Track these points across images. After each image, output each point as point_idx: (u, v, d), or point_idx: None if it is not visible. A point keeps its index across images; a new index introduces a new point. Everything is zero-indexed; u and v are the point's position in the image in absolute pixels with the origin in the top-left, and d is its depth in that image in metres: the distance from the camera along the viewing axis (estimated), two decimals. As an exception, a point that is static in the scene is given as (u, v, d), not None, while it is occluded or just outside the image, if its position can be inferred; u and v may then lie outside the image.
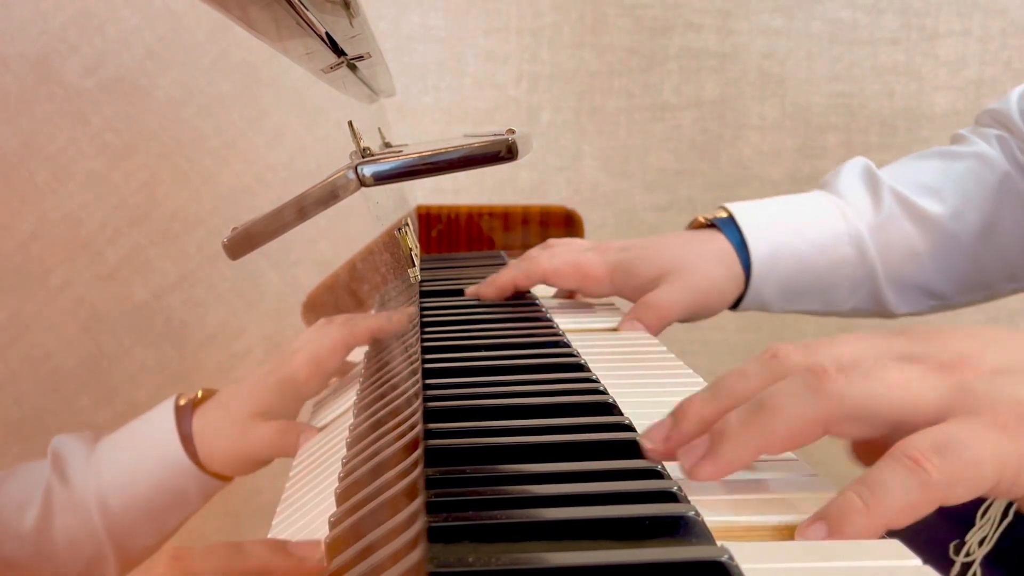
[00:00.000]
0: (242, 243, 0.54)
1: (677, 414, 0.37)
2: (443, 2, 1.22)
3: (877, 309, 0.76)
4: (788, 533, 0.32)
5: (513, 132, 0.52)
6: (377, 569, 0.31)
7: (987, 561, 0.66)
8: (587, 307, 0.73)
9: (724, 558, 0.28)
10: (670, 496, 0.33)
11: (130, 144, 1.18)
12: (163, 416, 0.66)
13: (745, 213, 0.72)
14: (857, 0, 1.24)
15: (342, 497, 0.41)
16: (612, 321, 0.67)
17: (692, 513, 0.31)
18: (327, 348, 0.67)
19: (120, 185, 1.19)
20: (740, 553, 0.29)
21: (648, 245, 0.71)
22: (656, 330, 0.66)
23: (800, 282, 0.72)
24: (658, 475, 0.36)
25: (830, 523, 0.30)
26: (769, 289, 0.71)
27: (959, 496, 0.30)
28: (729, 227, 0.71)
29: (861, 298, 0.75)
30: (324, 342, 0.67)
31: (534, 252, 0.73)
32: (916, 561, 0.29)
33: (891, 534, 0.30)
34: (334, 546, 0.36)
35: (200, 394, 0.68)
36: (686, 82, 1.26)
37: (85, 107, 1.17)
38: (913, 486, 0.30)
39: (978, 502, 0.69)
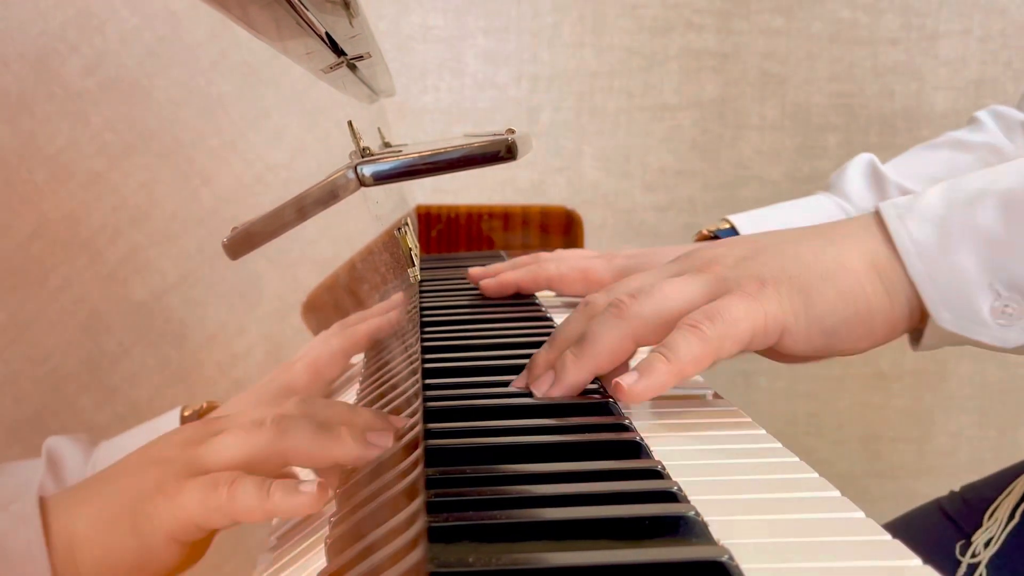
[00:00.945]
0: (242, 243, 0.54)
1: (530, 366, 0.47)
2: (443, 2, 1.22)
3: None
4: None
5: (513, 132, 0.52)
6: (377, 569, 0.31)
7: (993, 562, 0.66)
8: None
9: (724, 558, 0.28)
10: (670, 496, 0.33)
11: (130, 144, 1.18)
12: (168, 427, 0.66)
13: (747, 225, 0.72)
14: (857, 0, 1.24)
15: (342, 497, 0.41)
16: None
17: (692, 513, 0.31)
18: (326, 357, 0.67)
19: (120, 185, 1.19)
20: (740, 553, 0.29)
21: (654, 254, 0.71)
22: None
23: None
24: (658, 475, 0.36)
25: (642, 373, 0.41)
26: None
27: (729, 348, 0.42)
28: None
29: None
30: (323, 351, 0.67)
31: (543, 256, 0.73)
32: (916, 561, 0.29)
33: (897, 535, 0.30)
34: (334, 546, 0.36)
35: (204, 406, 0.68)
36: (686, 82, 1.26)
37: (85, 107, 1.16)
38: (695, 342, 0.41)
39: (985, 504, 0.69)
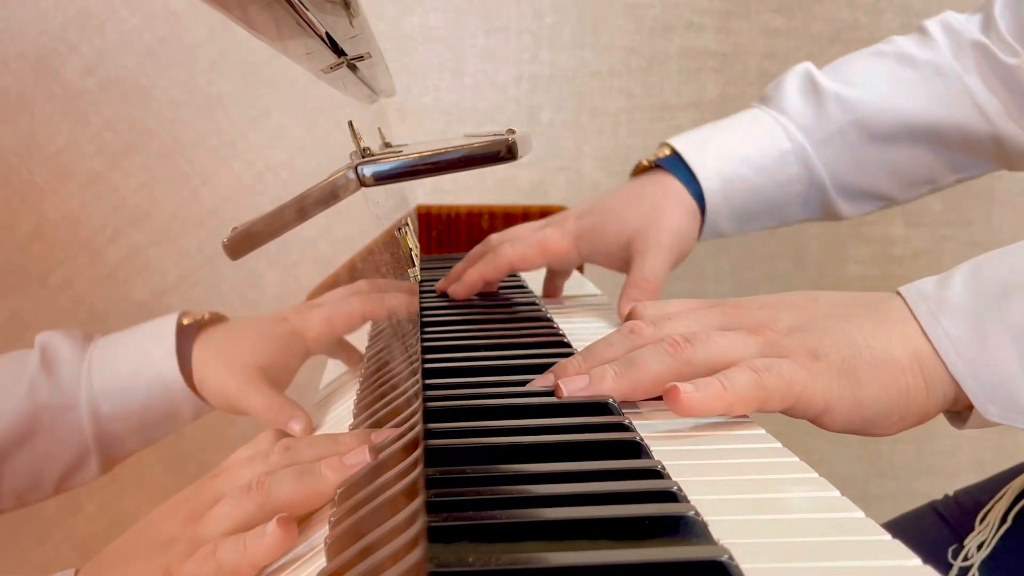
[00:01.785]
0: (242, 243, 0.54)
1: (557, 371, 0.47)
2: (443, 2, 1.22)
3: (827, 217, 0.77)
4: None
5: (513, 132, 0.52)
6: (377, 569, 0.31)
7: (985, 566, 0.66)
8: (592, 311, 0.73)
9: (724, 558, 0.28)
10: (670, 496, 0.33)
11: (130, 144, 1.18)
12: (165, 334, 0.65)
13: (690, 149, 0.72)
14: (857, 0, 1.24)
15: (342, 497, 0.41)
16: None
17: (692, 513, 0.31)
18: (344, 315, 0.67)
19: (120, 185, 1.19)
20: (740, 553, 0.29)
21: (605, 208, 0.71)
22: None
23: (752, 207, 0.73)
24: (658, 475, 0.36)
25: (697, 386, 0.42)
26: (724, 219, 0.72)
27: (775, 404, 0.42)
28: (676, 166, 0.71)
29: (812, 210, 0.76)
30: (344, 309, 0.67)
31: (494, 241, 0.73)
32: (916, 561, 0.29)
33: (892, 535, 0.30)
34: (334, 546, 0.36)
35: (207, 316, 0.68)
36: (686, 82, 1.26)
37: (85, 107, 1.17)
38: (753, 384, 0.42)
39: (979, 507, 0.69)
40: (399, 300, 0.69)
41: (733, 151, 0.72)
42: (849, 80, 0.74)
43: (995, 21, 0.72)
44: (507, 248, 0.71)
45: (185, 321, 0.67)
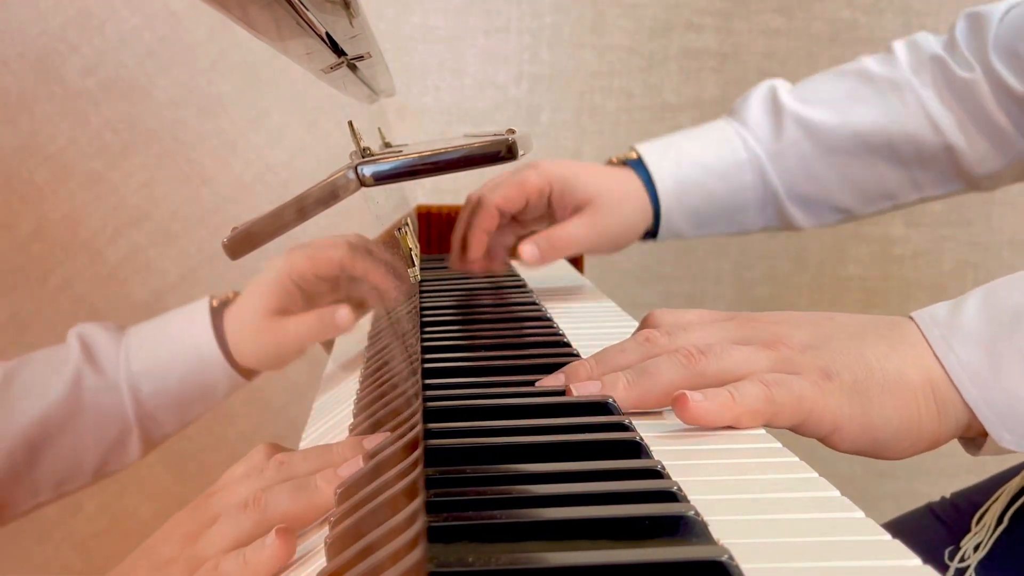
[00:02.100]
0: (242, 243, 0.54)
1: (568, 372, 0.47)
2: (443, 2, 1.22)
3: (785, 226, 0.82)
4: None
5: (513, 132, 0.52)
6: (377, 569, 0.31)
7: (982, 566, 0.66)
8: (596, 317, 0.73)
9: (724, 558, 0.28)
10: (670, 496, 0.33)
11: (130, 144, 1.18)
12: (199, 315, 0.71)
13: (652, 153, 0.78)
14: (857, 0, 1.24)
15: (342, 497, 0.41)
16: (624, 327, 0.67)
17: (692, 513, 0.31)
18: (325, 257, 0.71)
19: (120, 185, 1.19)
20: (740, 553, 0.29)
21: (578, 169, 0.75)
22: (546, 261, 0.72)
23: (708, 210, 0.78)
24: (658, 475, 0.36)
25: (707, 396, 0.42)
26: (679, 220, 0.78)
27: (784, 419, 0.42)
28: (639, 167, 0.77)
29: (769, 217, 0.81)
30: (327, 250, 0.71)
31: (474, 195, 0.76)
32: (916, 561, 0.29)
33: (892, 536, 0.30)
34: (334, 546, 0.36)
35: (230, 295, 0.73)
36: (686, 82, 1.26)
37: (85, 107, 1.17)
38: (763, 397, 0.42)
39: (975, 508, 0.70)
40: (379, 269, 0.72)
41: (691, 156, 0.78)
42: (808, 98, 0.80)
43: (956, 38, 0.78)
44: (488, 195, 0.74)
45: (215, 303, 0.72)
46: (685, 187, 0.77)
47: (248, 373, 0.73)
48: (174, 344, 0.70)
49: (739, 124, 0.80)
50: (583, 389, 0.45)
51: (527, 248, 0.72)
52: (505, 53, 1.24)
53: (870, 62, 0.80)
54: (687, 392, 0.41)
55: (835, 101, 0.78)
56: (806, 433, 0.44)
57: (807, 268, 1.32)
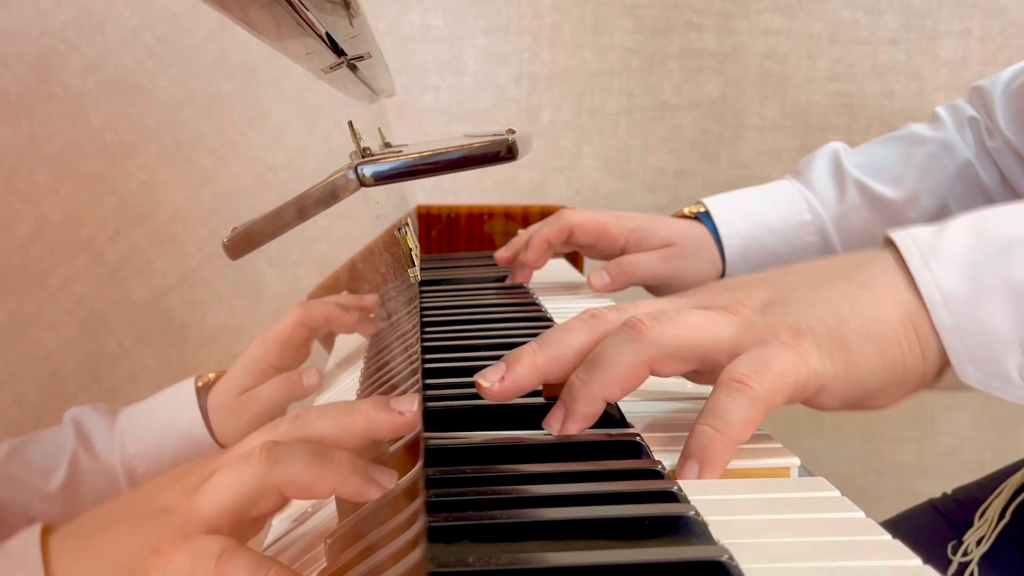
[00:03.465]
0: (242, 243, 0.54)
1: (510, 360, 0.41)
2: (443, 2, 1.22)
3: None
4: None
5: (513, 132, 0.52)
6: (377, 569, 0.31)
7: (984, 560, 0.66)
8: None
9: (724, 558, 0.28)
10: (670, 496, 0.33)
11: (130, 144, 1.18)
12: (186, 396, 0.73)
13: (719, 209, 0.79)
14: (857, 0, 1.24)
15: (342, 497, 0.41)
16: None
17: (692, 513, 0.31)
18: (288, 326, 0.74)
19: (120, 185, 1.19)
20: (740, 553, 0.29)
21: (656, 219, 0.78)
22: (617, 286, 0.75)
23: (769, 268, 0.78)
24: (658, 475, 0.36)
25: (698, 458, 0.37)
26: (742, 272, 0.79)
27: (777, 404, 0.38)
28: (708, 220, 0.79)
29: None
30: (286, 321, 0.75)
31: (563, 212, 0.79)
32: (916, 561, 0.29)
33: (890, 533, 0.30)
34: (334, 546, 0.36)
35: (212, 376, 0.76)
36: (686, 82, 1.26)
37: (85, 107, 1.16)
38: (746, 404, 0.37)
39: (977, 503, 0.70)
40: (335, 308, 0.76)
41: (758, 215, 0.79)
42: (866, 164, 0.81)
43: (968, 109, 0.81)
44: (569, 212, 0.77)
45: (199, 384, 0.75)
46: (750, 244, 0.78)
47: None
48: (165, 426, 0.73)
49: (804, 186, 0.81)
50: (554, 425, 0.40)
51: (597, 276, 0.75)
52: (505, 53, 1.24)
53: (919, 126, 0.82)
54: (686, 465, 0.37)
55: (890, 167, 0.80)
56: (792, 401, 0.40)
57: (807, 268, 1.32)
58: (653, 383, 0.42)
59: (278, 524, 0.49)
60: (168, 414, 0.74)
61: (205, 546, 0.35)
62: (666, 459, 0.37)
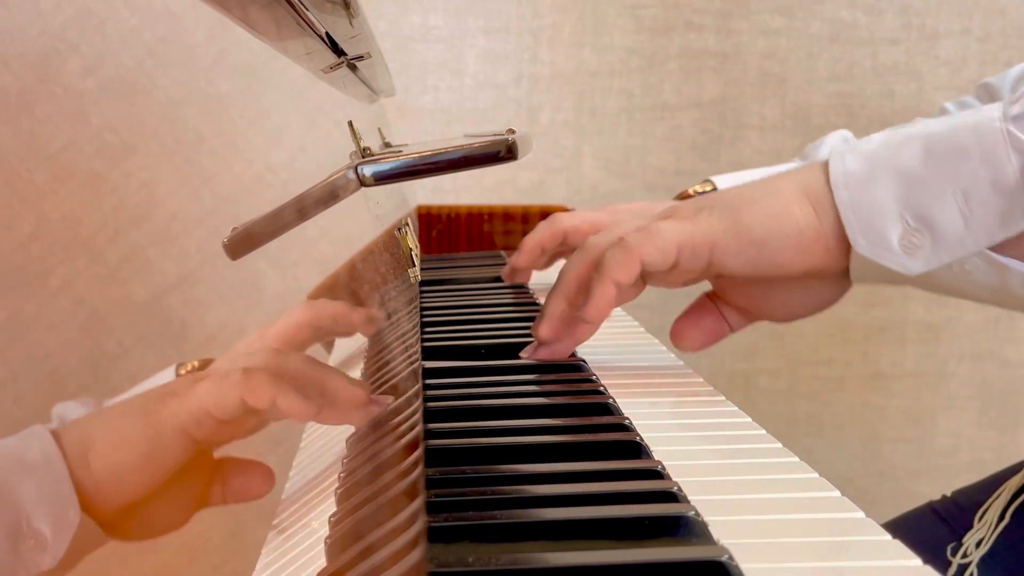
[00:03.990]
0: (242, 243, 0.54)
1: (545, 311, 0.52)
2: (443, 2, 1.22)
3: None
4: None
5: (513, 132, 0.52)
6: (377, 569, 0.31)
7: (984, 563, 0.66)
8: None
9: (724, 558, 0.28)
10: (670, 496, 0.33)
11: (130, 144, 1.18)
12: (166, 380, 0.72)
13: (728, 185, 0.79)
14: (857, 0, 1.24)
15: (342, 497, 0.41)
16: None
17: (692, 513, 0.31)
18: (293, 325, 0.74)
19: (120, 185, 1.19)
20: (740, 553, 0.29)
21: (653, 207, 0.76)
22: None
23: None
24: (658, 475, 0.36)
25: (587, 297, 0.49)
26: None
27: (655, 257, 0.47)
28: None
29: None
30: (290, 320, 0.74)
31: (556, 215, 0.78)
32: (916, 561, 0.29)
33: (891, 535, 0.30)
34: (334, 546, 0.36)
35: (197, 364, 0.75)
36: (686, 82, 1.26)
37: (85, 107, 1.16)
38: (619, 252, 0.48)
39: (976, 506, 0.70)
40: (342, 308, 0.76)
41: None
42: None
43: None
44: (563, 217, 0.77)
45: (182, 371, 0.75)
46: None
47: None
48: None
49: None
50: (549, 331, 0.52)
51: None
52: (505, 53, 1.24)
53: (927, 120, 0.82)
54: (579, 314, 0.49)
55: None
56: (692, 268, 0.48)
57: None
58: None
59: (279, 524, 0.49)
60: None
61: (225, 371, 0.43)
62: (667, 460, 0.37)
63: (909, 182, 0.44)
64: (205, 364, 0.74)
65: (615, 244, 0.48)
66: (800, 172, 0.48)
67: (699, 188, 0.79)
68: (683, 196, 0.80)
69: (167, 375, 0.73)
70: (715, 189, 0.78)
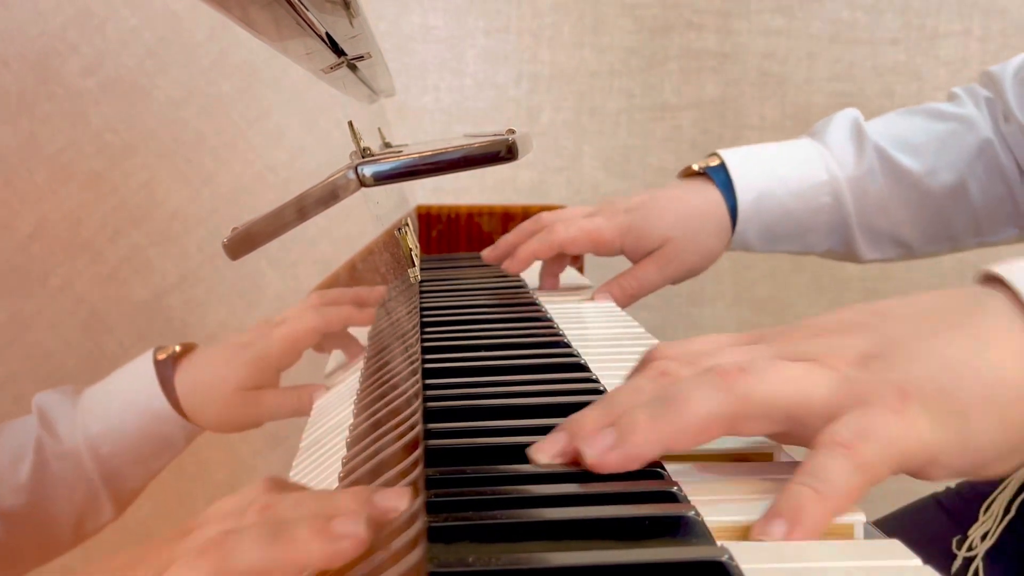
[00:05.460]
0: (242, 243, 0.54)
1: (571, 429, 0.36)
2: (443, 2, 1.22)
3: (848, 253, 0.82)
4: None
5: (513, 132, 0.52)
6: (377, 569, 0.31)
7: (989, 555, 0.66)
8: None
9: (724, 558, 0.28)
10: (670, 496, 0.33)
11: (130, 144, 1.18)
12: (143, 371, 0.72)
13: (735, 161, 0.77)
14: (857, 0, 1.24)
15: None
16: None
17: (692, 513, 0.31)
18: (302, 331, 0.72)
19: (120, 185, 1.19)
20: (740, 553, 0.29)
21: (650, 206, 0.76)
22: (624, 304, 0.74)
23: (781, 227, 0.78)
24: (658, 476, 0.36)
25: (788, 517, 0.31)
26: (752, 233, 0.77)
27: (884, 475, 0.32)
28: (719, 174, 0.76)
29: (835, 242, 0.80)
30: (300, 325, 0.72)
31: (546, 219, 0.77)
32: (916, 561, 0.29)
33: (894, 529, 0.30)
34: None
35: (179, 349, 0.73)
36: (686, 82, 1.26)
37: (85, 107, 1.17)
38: (852, 470, 0.31)
39: (981, 498, 0.70)
40: (350, 311, 0.74)
41: (774, 171, 0.77)
42: (887, 133, 0.79)
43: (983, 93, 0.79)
44: (560, 228, 0.75)
45: (160, 356, 0.73)
46: (764, 201, 0.76)
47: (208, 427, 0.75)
48: (125, 402, 0.71)
49: (822, 146, 0.79)
50: (592, 446, 0.34)
51: (601, 299, 0.74)
52: (505, 53, 1.24)
53: (938, 104, 0.81)
54: (764, 527, 0.31)
55: (911, 138, 0.78)
56: (896, 473, 0.34)
57: (807, 268, 1.32)
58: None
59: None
60: (127, 390, 0.72)
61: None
62: (666, 460, 0.37)
63: None
64: (185, 349, 0.73)
65: (842, 457, 0.32)
66: (1006, 326, 0.35)
67: (703, 164, 0.77)
68: (687, 173, 0.78)
69: (144, 362, 0.72)
70: (722, 163, 0.76)
